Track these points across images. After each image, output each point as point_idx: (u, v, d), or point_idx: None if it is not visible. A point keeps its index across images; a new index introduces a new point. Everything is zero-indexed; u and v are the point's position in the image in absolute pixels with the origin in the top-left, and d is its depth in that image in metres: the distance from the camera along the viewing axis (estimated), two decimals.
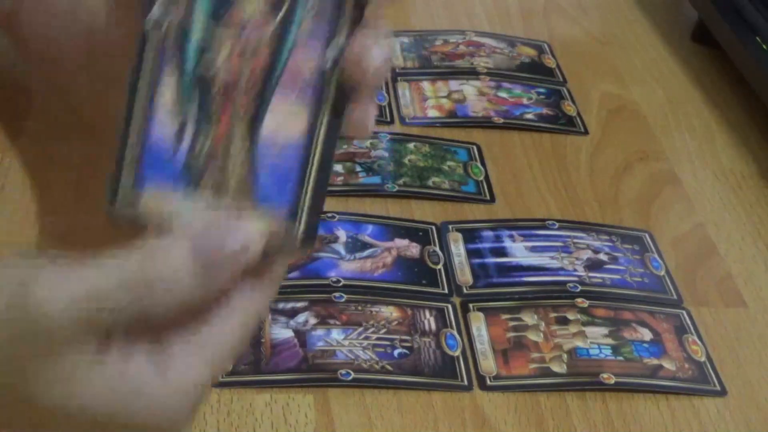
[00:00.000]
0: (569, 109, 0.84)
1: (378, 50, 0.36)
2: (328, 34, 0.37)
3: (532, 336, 0.62)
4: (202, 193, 0.37)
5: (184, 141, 0.37)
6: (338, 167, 0.73)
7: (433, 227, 0.70)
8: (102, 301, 0.31)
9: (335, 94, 0.37)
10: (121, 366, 0.32)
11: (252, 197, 0.37)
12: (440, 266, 0.67)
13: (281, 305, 0.62)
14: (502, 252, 0.68)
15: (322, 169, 0.37)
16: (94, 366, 0.31)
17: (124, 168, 0.37)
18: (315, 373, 0.59)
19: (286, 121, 0.37)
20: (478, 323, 0.63)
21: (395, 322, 0.62)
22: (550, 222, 0.71)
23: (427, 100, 0.82)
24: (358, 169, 0.74)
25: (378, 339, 0.61)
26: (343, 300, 0.63)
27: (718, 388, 0.61)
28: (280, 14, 0.37)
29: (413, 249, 0.67)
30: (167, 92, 0.37)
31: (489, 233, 0.70)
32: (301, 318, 0.62)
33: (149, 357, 0.32)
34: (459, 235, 0.69)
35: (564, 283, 0.66)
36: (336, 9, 0.37)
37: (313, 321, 0.61)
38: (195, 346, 0.33)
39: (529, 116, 0.82)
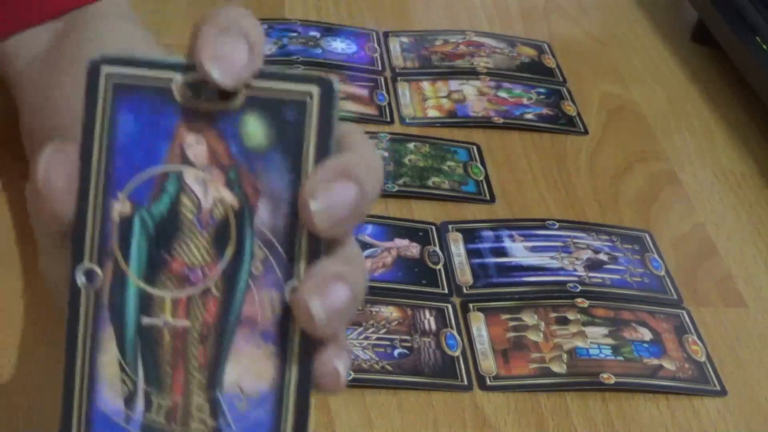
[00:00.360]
0: (569, 109, 0.83)
1: (330, 294, 0.33)
2: (285, 270, 0.34)
3: (532, 336, 0.62)
4: None
5: (137, 406, 0.34)
6: None
7: (433, 227, 0.70)
8: None
9: (301, 335, 0.34)
10: None
11: None
12: (440, 266, 0.67)
13: None
14: (502, 252, 0.68)
15: (298, 422, 0.34)
16: None
17: None
18: None
19: (250, 369, 0.34)
20: (478, 323, 0.63)
21: (395, 322, 0.62)
22: (550, 222, 0.71)
23: (427, 100, 0.82)
24: None
25: (378, 339, 0.61)
26: None
27: (718, 388, 0.61)
28: (227, 257, 0.34)
29: (413, 249, 0.67)
30: (108, 354, 0.34)
31: (489, 233, 0.70)
32: None
33: None
34: (459, 235, 0.69)
35: (564, 283, 0.66)
36: (290, 245, 0.34)
37: None
38: None
39: (529, 116, 0.82)
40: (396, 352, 0.60)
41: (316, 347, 0.34)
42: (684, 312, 0.66)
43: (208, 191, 0.34)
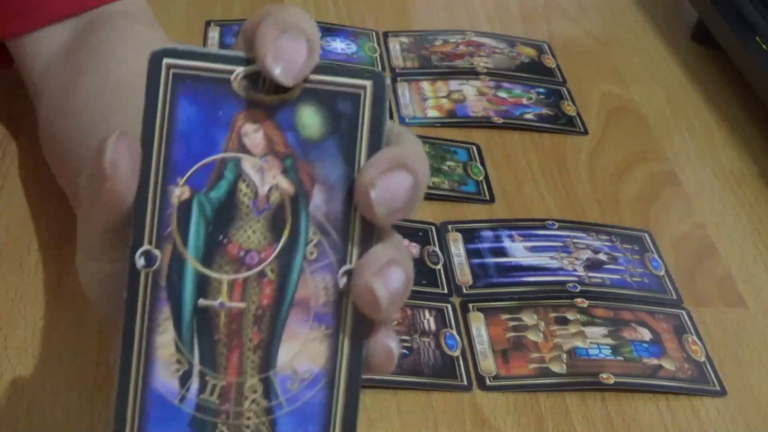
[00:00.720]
0: (569, 109, 0.83)
1: (390, 278, 0.35)
2: (339, 257, 0.35)
3: (531, 336, 0.62)
4: None
5: (192, 386, 0.35)
6: None
7: (433, 227, 0.70)
8: None
9: (353, 318, 0.35)
10: None
11: None
12: (440, 266, 0.67)
13: None
14: (501, 252, 0.68)
15: (348, 404, 0.35)
16: None
17: (126, 422, 0.34)
18: None
19: (303, 351, 0.35)
20: (478, 323, 0.63)
21: (395, 322, 0.62)
22: (549, 222, 0.71)
23: (426, 100, 0.82)
24: None
25: None
26: None
27: (718, 388, 0.61)
28: (282, 241, 0.35)
29: (413, 249, 0.67)
30: (165, 335, 0.35)
31: (489, 233, 0.70)
32: None
33: None
34: (458, 235, 0.69)
35: (564, 283, 0.66)
36: (343, 231, 0.35)
37: None
38: None
39: (529, 116, 0.82)
40: None
41: (368, 329, 0.35)
42: (684, 312, 0.66)
43: (264, 178, 0.35)
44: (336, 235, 0.35)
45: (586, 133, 0.81)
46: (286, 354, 0.35)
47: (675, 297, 0.67)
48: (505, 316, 0.64)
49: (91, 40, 0.61)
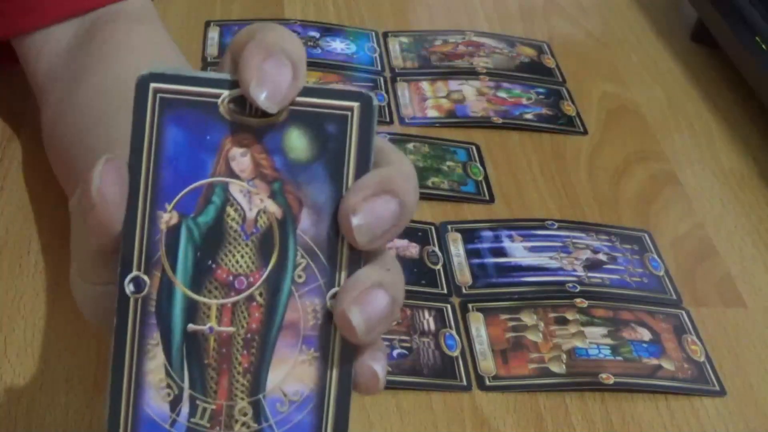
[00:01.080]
0: (569, 109, 0.83)
1: (370, 303, 0.35)
2: (327, 280, 0.35)
3: (531, 336, 0.62)
4: None
5: (182, 410, 0.35)
6: None
7: (433, 227, 0.70)
8: None
9: (342, 340, 0.35)
10: None
11: None
12: (439, 266, 0.67)
13: None
14: (501, 252, 0.68)
15: (338, 425, 0.35)
16: None
17: None
18: None
19: (292, 373, 0.35)
20: (477, 323, 0.63)
21: (394, 323, 0.62)
22: (549, 222, 0.71)
23: (426, 100, 0.82)
24: None
25: None
26: None
27: (718, 388, 0.61)
28: (270, 265, 0.35)
29: (412, 249, 0.67)
30: (155, 360, 0.35)
31: (488, 233, 0.70)
32: None
33: None
34: (458, 236, 0.69)
35: (563, 283, 0.66)
36: (331, 254, 0.35)
37: None
38: None
39: (529, 116, 0.82)
40: (395, 353, 0.60)
41: (356, 351, 0.36)
42: (683, 312, 0.66)
43: (252, 202, 0.35)
44: (324, 257, 0.35)
45: (585, 133, 0.81)
46: (276, 377, 0.35)
47: (674, 297, 0.67)
48: (504, 316, 0.64)
49: (95, 40, 0.61)
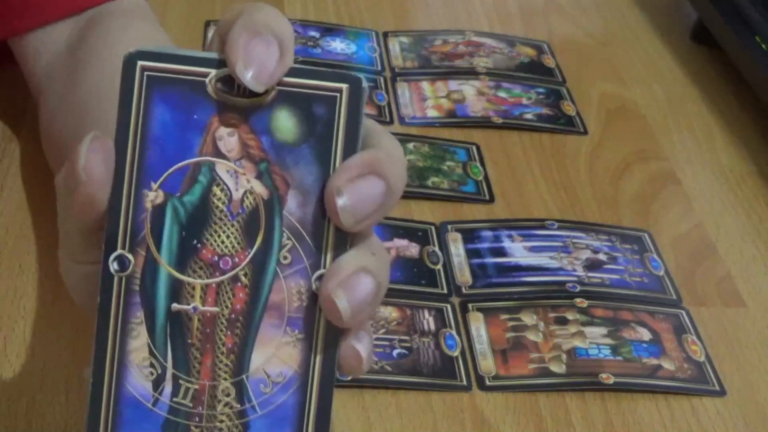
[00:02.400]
0: (569, 108, 0.83)
1: (355, 288, 0.35)
2: (313, 261, 0.35)
3: (531, 336, 0.62)
4: None
5: (165, 390, 0.35)
6: None
7: (433, 227, 0.70)
8: None
9: (326, 322, 0.35)
10: None
11: None
12: (439, 266, 0.67)
13: None
14: (501, 252, 0.68)
15: (321, 407, 0.35)
16: None
17: (99, 425, 0.34)
18: None
19: (276, 354, 0.35)
20: (478, 323, 0.63)
21: (394, 323, 0.62)
22: (549, 222, 0.71)
23: (426, 100, 0.82)
24: None
25: (377, 339, 0.61)
26: None
27: (718, 388, 0.61)
28: (255, 246, 0.35)
29: (412, 249, 0.67)
30: (138, 339, 0.35)
31: (488, 233, 0.70)
32: None
33: None
34: (458, 235, 0.69)
35: (563, 283, 0.66)
36: (317, 235, 0.35)
37: None
38: None
39: (529, 116, 0.82)
40: (395, 353, 0.60)
41: (341, 334, 0.35)
42: (683, 312, 0.66)
43: (238, 182, 0.35)
44: (310, 239, 0.35)
45: (585, 132, 0.82)
46: (260, 358, 0.35)
47: (674, 297, 0.67)
48: (504, 316, 0.64)
49: (91, 38, 0.61)
